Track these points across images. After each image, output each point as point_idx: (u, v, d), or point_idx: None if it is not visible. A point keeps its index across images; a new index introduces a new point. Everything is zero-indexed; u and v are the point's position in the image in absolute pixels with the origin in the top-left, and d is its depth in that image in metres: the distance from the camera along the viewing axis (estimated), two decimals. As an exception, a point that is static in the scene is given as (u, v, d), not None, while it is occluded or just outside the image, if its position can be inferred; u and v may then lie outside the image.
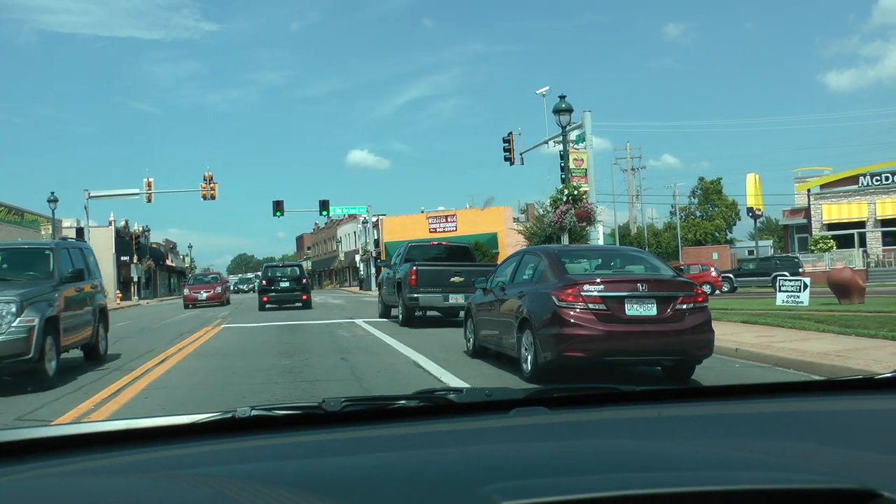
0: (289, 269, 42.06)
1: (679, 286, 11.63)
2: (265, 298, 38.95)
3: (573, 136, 32.02)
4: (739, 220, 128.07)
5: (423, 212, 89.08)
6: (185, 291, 49.36)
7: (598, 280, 11.36)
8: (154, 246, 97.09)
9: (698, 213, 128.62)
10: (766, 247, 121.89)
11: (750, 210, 66.27)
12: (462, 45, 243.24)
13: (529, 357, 11.80)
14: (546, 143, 39.13)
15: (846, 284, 25.11)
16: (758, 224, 73.21)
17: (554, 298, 11.23)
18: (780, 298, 24.44)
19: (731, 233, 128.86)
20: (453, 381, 11.77)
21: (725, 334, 16.59)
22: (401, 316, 23.78)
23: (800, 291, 23.93)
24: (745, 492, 1.56)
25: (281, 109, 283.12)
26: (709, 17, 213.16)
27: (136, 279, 79.99)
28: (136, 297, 78.80)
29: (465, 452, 2.02)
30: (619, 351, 11.15)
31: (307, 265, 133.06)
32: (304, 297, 39.72)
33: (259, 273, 77.33)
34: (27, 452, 2.02)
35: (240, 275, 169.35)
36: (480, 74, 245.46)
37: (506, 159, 42.92)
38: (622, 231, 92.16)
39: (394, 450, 2.06)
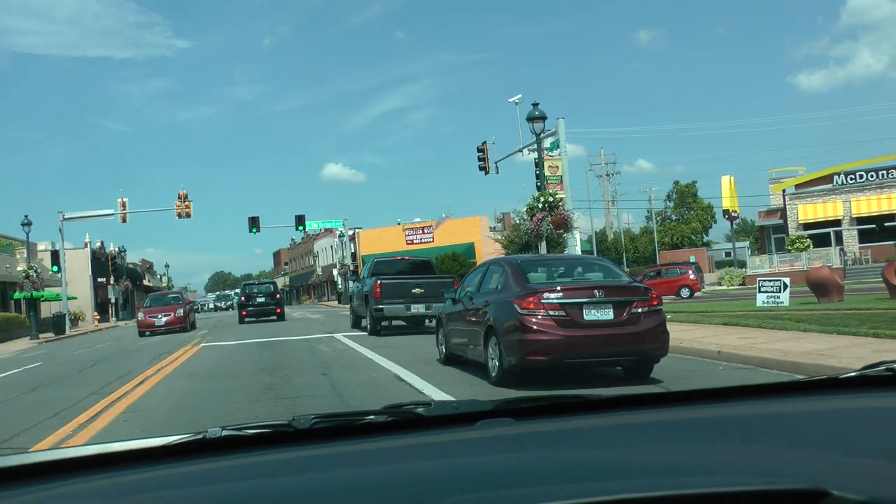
0: (264, 286, 46.42)
1: (634, 291, 12.27)
2: (244, 313, 43.45)
3: (547, 143, 32.03)
4: (715, 222, 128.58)
5: (399, 224, 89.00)
6: (139, 315, 40.07)
7: (558, 288, 12.09)
8: (131, 266, 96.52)
9: (674, 217, 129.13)
10: (743, 248, 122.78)
11: (726, 212, 66.32)
12: (434, 56, 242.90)
13: (496, 362, 12.35)
14: (520, 151, 39.17)
15: (825, 283, 25.20)
16: (734, 226, 73.13)
17: (516, 306, 11.85)
18: (760, 299, 24.40)
19: (707, 235, 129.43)
20: (435, 393, 11.70)
21: (707, 336, 16.60)
22: (368, 326, 25.71)
23: (779, 292, 23.90)
24: (699, 495, 1.61)
25: (254, 125, 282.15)
26: (679, 23, 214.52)
27: (113, 300, 79.48)
28: (113, 319, 78.32)
29: (430, 466, 2.05)
30: (579, 354, 11.74)
31: (285, 280, 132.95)
32: (278, 310, 43.97)
33: (237, 290, 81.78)
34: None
35: (217, 292, 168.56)
36: (453, 84, 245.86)
37: (480, 168, 42.91)
38: (599, 237, 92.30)
39: (361, 465, 2.09)
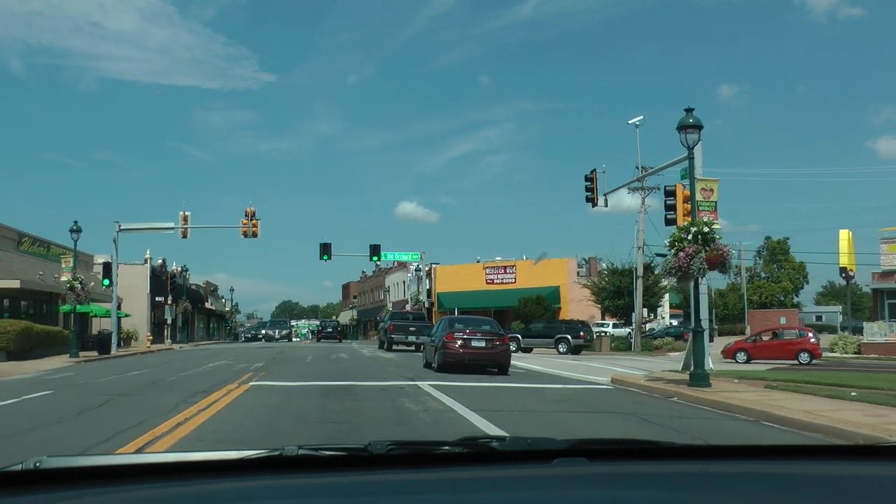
0: (332, 322, 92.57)
1: (497, 335, 27.28)
2: (320, 336, 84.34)
3: (678, 170, 27.12)
4: (807, 283, 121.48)
5: (479, 261, 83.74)
6: None
7: (465, 331, 26.96)
8: (193, 287, 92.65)
9: (763, 275, 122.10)
10: (834, 313, 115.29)
11: (843, 270, 59.73)
12: (514, 102, 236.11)
13: (437, 361, 26.88)
14: (640, 179, 33.88)
15: None
16: (826, 286, 66.46)
17: (444, 339, 26.70)
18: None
19: (797, 296, 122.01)
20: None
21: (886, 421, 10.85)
22: (385, 345, 48.56)
23: None
24: None
25: (331, 160, 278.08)
26: (762, 80, 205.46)
27: (169, 321, 75.14)
28: (168, 341, 73.91)
29: (507, 499, 2.12)
30: (468, 361, 25.94)
31: (353, 314, 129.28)
32: (339, 336, 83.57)
33: (301, 321, 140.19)
34: (82, 479, 2.07)
35: (273, 318, 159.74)
36: (531, 131, 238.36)
37: (588, 199, 39.09)
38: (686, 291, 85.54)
39: (437, 493, 2.15)
